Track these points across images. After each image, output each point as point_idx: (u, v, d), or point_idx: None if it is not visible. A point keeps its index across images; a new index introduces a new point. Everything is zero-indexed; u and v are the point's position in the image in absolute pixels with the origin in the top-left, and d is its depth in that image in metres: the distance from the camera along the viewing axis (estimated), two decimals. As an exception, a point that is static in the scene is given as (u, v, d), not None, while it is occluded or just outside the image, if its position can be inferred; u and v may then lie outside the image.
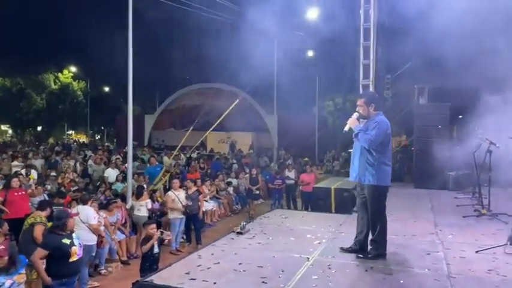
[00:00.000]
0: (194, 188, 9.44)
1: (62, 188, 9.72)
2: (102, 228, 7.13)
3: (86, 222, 6.70)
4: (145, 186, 9.79)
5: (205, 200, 10.63)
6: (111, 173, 11.83)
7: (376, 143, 4.45)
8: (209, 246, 5.14)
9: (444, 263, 4.48)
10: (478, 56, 8.02)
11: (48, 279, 4.61)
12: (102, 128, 47.10)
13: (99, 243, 7.03)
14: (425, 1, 8.26)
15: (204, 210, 10.06)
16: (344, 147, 19.23)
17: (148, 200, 8.99)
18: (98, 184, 11.00)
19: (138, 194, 8.99)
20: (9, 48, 33.27)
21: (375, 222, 4.60)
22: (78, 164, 14.61)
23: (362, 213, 4.78)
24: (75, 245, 4.76)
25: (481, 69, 8.15)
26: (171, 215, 8.72)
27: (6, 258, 5.25)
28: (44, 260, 4.72)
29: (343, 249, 4.82)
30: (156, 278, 3.98)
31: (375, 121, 4.53)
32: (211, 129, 13.78)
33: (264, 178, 14.08)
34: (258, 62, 14.28)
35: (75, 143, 29.46)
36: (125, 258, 8.07)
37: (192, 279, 3.96)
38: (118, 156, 15.83)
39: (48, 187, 9.98)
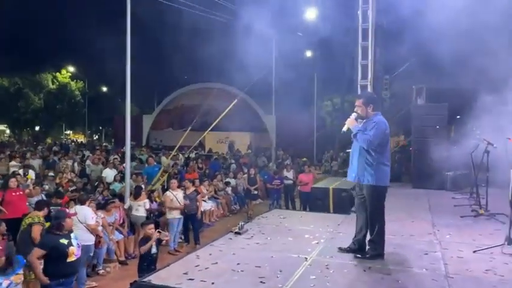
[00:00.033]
0: (192, 188, 9.45)
1: (60, 188, 9.71)
2: (100, 228, 7.12)
3: (84, 223, 6.69)
4: (143, 186, 9.79)
5: (203, 200, 10.62)
6: (109, 173, 11.81)
7: (375, 143, 4.45)
8: (207, 246, 5.13)
9: (442, 263, 4.49)
10: (476, 56, 8.04)
11: (44, 279, 4.59)
12: (100, 128, 47.00)
13: (97, 243, 7.02)
14: (423, 2, 8.28)
15: (202, 210, 10.05)
16: (342, 148, 19.23)
17: (147, 200, 8.98)
18: (96, 184, 10.99)
19: (136, 194, 8.98)
20: (7, 47, 33.26)
21: (373, 222, 4.60)
22: (76, 164, 14.59)
23: (360, 213, 4.79)
24: (72, 245, 4.75)
25: (479, 69, 8.17)
26: (169, 215, 8.72)
27: (3, 258, 5.25)
28: (42, 260, 4.71)
29: (341, 249, 4.83)
30: (154, 278, 3.98)
31: (373, 121, 4.54)
32: (209, 129, 13.78)
33: (262, 178, 14.08)
34: (257, 62, 14.28)
35: (73, 143, 29.42)
36: (122, 258, 8.06)
37: (190, 279, 3.96)
38: (116, 156, 15.78)
39: (46, 187, 9.97)
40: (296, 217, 7.07)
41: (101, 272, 7.37)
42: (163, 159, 15.36)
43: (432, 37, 8.78)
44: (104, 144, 32.52)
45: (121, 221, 8.48)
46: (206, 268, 4.25)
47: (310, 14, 16.49)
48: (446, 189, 9.63)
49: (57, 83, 36.43)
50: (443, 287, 3.85)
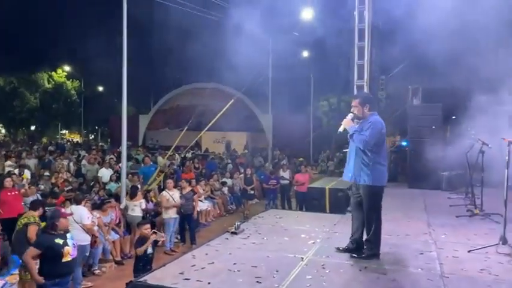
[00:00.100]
0: (189, 188, 9.43)
1: (56, 188, 9.67)
2: (95, 228, 7.11)
3: (80, 222, 6.68)
4: (139, 186, 9.77)
5: (199, 200, 10.62)
6: (105, 173, 11.79)
7: (371, 143, 4.46)
8: (203, 246, 5.13)
9: (437, 262, 4.50)
10: (471, 57, 8.09)
11: (39, 278, 4.57)
12: (96, 127, 46.82)
13: (93, 243, 7.01)
14: (419, 3, 8.31)
15: (198, 210, 10.05)
16: (339, 148, 19.29)
17: (143, 200, 8.97)
18: (91, 184, 10.95)
19: (132, 194, 8.96)
20: (3, 46, 33.06)
21: (369, 222, 4.61)
22: (71, 164, 14.54)
23: (357, 212, 4.80)
24: (68, 245, 4.72)
25: (474, 70, 8.22)
26: (166, 215, 8.71)
27: (-2, 258, 5.23)
28: (38, 260, 4.69)
29: (339, 249, 4.84)
30: (150, 278, 3.97)
31: (369, 121, 4.55)
32: (205, 129, 13.78)
33: (258, 178, 14.09)
34: (253, 62, 14.28)
35: (68, 143, 29.32)
36: (118, 258, 8.04)
37: (186, 279, 3.95)
38: (112, 156, 15.77)
39: (42, 187, 9.93)
40: (292, 217, 7.07)
41: (96, 272, 7.35)
42: (160, 159, 15.34)
43: (427, 38, 8.82)
44: (100, 144, 32.42)
45: (117, 221, 8.46)
46: (202, 268, 4.25)
47: (307, 14, 16.51)
48: (442, 189, 9.67)
49: (53, 83, 36.25)
50: (438, 287, 3.87)
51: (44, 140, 33.66)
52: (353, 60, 9.08)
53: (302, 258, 4.61)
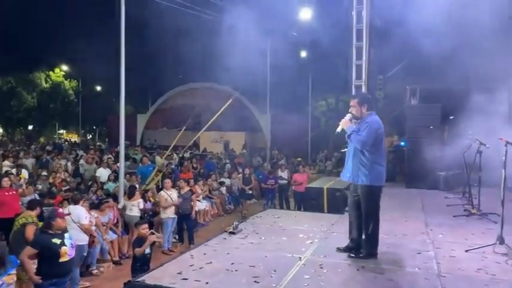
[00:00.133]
0: (187, 188, 9.43)
1: (53, 188, 9.66)
2: (93, 228, 7.10)
3: (78, 222, 6.67)
4: (137, 186, 9.76)
5: (198, 200, 10.61)
6: (103, 173, 11.76)
7: (369, 143, 4.47)
8: (201, 246, 5.14)
9: (434, 262, 4.52)
10: (469, 57, 8.11)
11: (36, 278, 4.56)
12: (94, 127, 46.73)
13: (91, 243, 6.99)
14: (417, 3, 8.33)
15: (196, 210, 10.04)
16: (336, 148, 19.31)
17: (141, 200, 8.95)
18: (89, 184, 10.93)
19: (130, 193, 8.95)
20: (0, 46, 32.94)
21: (367, 222, 4.63)
22: (69, 164, 14.50)
23: (355, 212, 4.81)
24: (65, 245, 4.70)
25: (472, 70, 8.24)
26: (164, 215, 8.70)
27: (-4, 258, 5.21)
28: (36, 260, 4.68)
29: (339, 249, 4.84)
30: (148, 278, 3.97)
31: (366, 122, 4.56)
32: (203, 129, 13.78)
33: (256, 178, 14.09)
34: (251, 62, 14.29)
35: (66, 143, 29.22)
36: (116, 258, 8.02)
37: (184, 279, 3.95)
38: (110, 156, 15.73)
39: (39, 187, 9.91)
40: (290, 217, 7.08)
41: (94, 271, 7.34)
42: (158, 158, 15.31)
43: (426, 38, 8.83)
44: (98, 143, 32.36)
45: (115, 221, 8.45)
46: (200, 268, 4.25)
47: (305, 14, 16.51)
48: (439, 189, 9.70)
49: (51, 82, 36.17)
50: (435, 286, 3.88)
51: (42, 139, 33.58)
52: (351, 60, 9.07)
53: (300, 258, 4.62)
